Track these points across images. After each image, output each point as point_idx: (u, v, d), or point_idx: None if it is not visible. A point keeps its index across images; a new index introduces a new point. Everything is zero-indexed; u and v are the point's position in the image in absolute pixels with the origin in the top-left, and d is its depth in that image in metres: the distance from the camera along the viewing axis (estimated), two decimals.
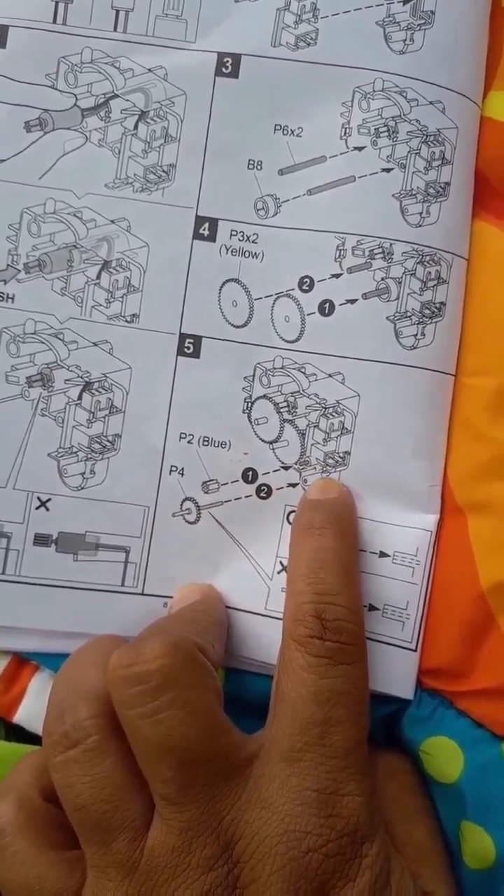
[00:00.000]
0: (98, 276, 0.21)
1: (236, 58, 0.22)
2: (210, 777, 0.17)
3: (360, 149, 0.21)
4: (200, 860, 0.16)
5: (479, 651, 0.20)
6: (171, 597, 0.21)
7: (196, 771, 0.17)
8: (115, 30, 0.22)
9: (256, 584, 0.21)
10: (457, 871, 0.20)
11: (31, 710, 0.22)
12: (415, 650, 0.20)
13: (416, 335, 0.21)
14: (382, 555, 0.21)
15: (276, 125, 0.22)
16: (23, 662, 0.22)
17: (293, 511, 0.21)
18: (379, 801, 0.18)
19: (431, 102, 0.22)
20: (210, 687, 0.17)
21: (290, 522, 0.21)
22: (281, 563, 0.21)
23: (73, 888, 0.17)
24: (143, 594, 0.21)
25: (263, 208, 0.22)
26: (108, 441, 0.21)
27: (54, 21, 0.22)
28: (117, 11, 0.22)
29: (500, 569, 0.20)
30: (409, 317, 0.21)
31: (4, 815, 0.18)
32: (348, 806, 0.17)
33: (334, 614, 0.18)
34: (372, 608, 0.20)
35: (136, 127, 0.22)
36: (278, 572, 0.21)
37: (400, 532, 0.21)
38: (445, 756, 0.20)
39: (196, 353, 0.22)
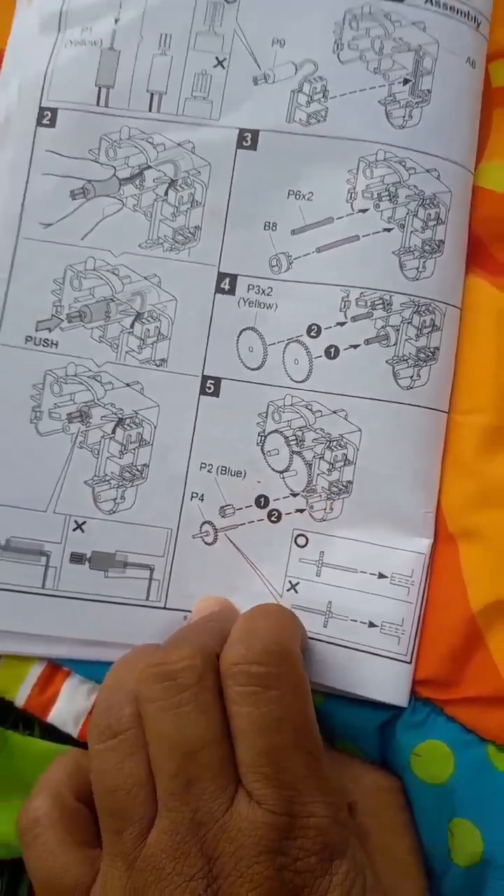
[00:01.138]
0: (132, 326, 0.24)
1: (255, 133, 0.25)
2: (210, 781, 0.18)
3: (363, 211, 0.24)
4: (184, 868, 0.17)
5: (468, 664, 0.22)
6: (190, 611, 0.23)
7: (200, 771, 0.18)
8: (149, 110, 0.25)
9: (267, 601, 0.23)
10: (445, 875, 0.21)
11: (62, 712, 0.24)
12: (409, 662, 0.22)
13: (413, 377, 0.23)
14: (381, 576, 0.23)
15: (289, 191, 0.24)
16: (56, 668, 0.24)
17: (301, 534, 0.23)
18: (359, 815, 0.19)
19: (428, 170, 0.24)
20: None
21: (297, 545, 0.23)
22: (290, 581, 0.23)
23: (88, 883, 0.18)
24: (165, 608, 0.24)
25: (277, 265, 0.24)
26: (137, 470, 0.24)
27: (97, 104, 0.25)
28: (152, 94, 0.25)
29: (489, 592, 0.22)
30: (406, 360, 0.23)
31: (39, 808, 0.20)
32: (315, 826, 0.17)
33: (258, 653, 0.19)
34: (371, 625, 0.22)
35: (166, 194, 0.25)
36: (287, 590, 0.23)
37: (397, 555, 0.23)
38: (437, 758, 0.21)
39: (216, 393, 0.24)
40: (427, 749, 0.22)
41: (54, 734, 0.24)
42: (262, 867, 0.17)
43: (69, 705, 0.24)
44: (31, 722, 0.25)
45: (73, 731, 0.24)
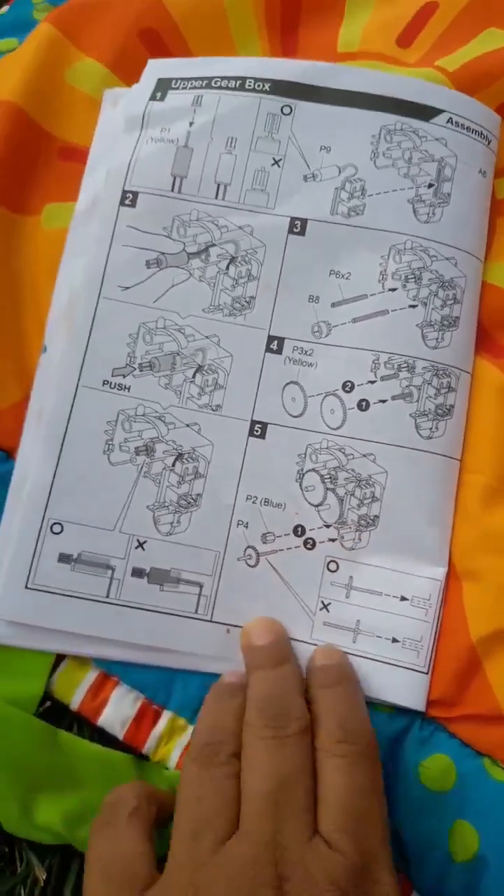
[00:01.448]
0: (194, 376, 0.28)
1: (304, 221, 0.29)
2: (297, 810, 0.20)
3: (393, 290, 0.28)
4: (256, 875, 0.18)
5: (468, 687, 0.25)
6: (234, 625, 0.26)
7: (291, 799, 0.20)
8: (216, 198, 0.30)
9: (302, 619, 0.26)
10: (446, 874, 0.24)
11: (110, 716, 0.26)
12: (426, 673, 0.25)
13: (432, 428, 0.27)
14: (402, 599, 0.26)
15: (330, 270, 0.29)
16: (107, 677, 0.26)
17: (332, 560, 0.27)
18: None
19: (447, 258, 0.29)
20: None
21: (329, 570, 0.27)
22: (322, 602, 0.27)
23: (149, 879, 0.20)
24: (210, 621, 0.27)
25: (318, 331, 0.29)
26: (192, 499, 0.28)
27: (172, 190, 0.30)
28: (218, 185, 0.30)
29: (486, 624, 0.25)
30: (427, 415, 0.27)
31: (130, 793, 0.22)
32: (381, 890, 0.19)
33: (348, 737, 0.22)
34: (394, 640, 0.26)
35: (227, 268, 0.29)
36: (320, 609, 0.27)
37: (416, 581, 0.26)
38: (442, 769, 0.24)
39: (262, 435, 0.28)
40: (433, 762, 0.24)
41: (103, 737, 0.26)
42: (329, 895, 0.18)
43: (117, 711, 0.26)
44: (82, 724, 0.27)
45: (119, 734, 0.26)
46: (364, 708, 0.23)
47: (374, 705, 0.25)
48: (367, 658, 0.26)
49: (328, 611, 0.26)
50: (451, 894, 0.23)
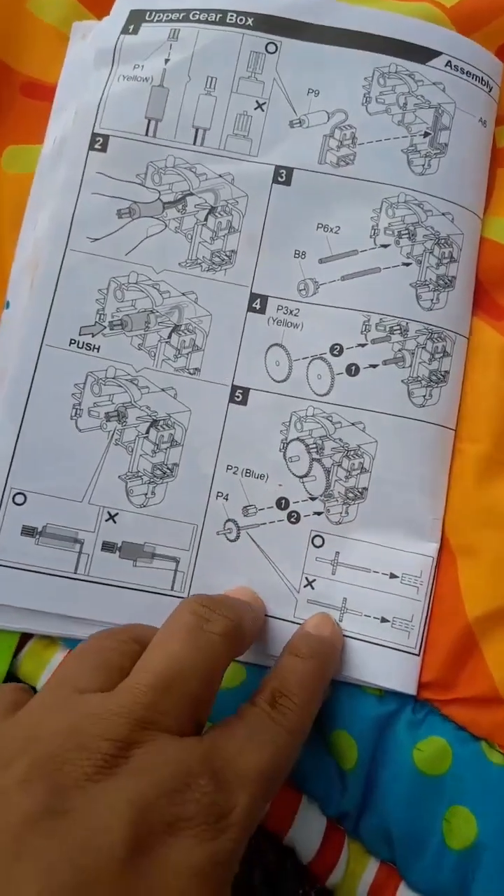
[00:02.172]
0: (169, 337, 0.26)
1: (290, 170, 0.27)
2: (184, 690, 0.19)
3: (385, 246, 0.27)
4: (94, 737, 0.17)
5: (464, 668, 0.24)
6: None
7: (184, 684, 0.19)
8: (194, 143, 0.27)
9: (285, 596, 0.25)
10: (440, 860, 0.23)
11: None
12: (418, 654, 0.24)
13: (425, 396, 0.26)
14: (392, 576, 0.25)
15: (318, 223, 0.27)
16: None
17: (317, 535, 0.25)
18: None
19: (443, 213, 0.27)
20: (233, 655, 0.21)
21: (314, 545, 0.25)
22: (306, 578, 0.25)
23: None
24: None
25: (305, 289, 0.27)
26: (167, 469, 0.26)
27: (146, 134, 0.27)
28: (197, 129, 0.27)
29: (483, 603, 0.24)
30: (420, 381, 0.26)
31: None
32: None
33: (285, 703, 0.20)
34: (383, 620, 0.24)
35: (206, 219, 0.27)
36: (304, 586, 0.25)
37: (407, 557, 0.25)
38: (437, 752, 0.23)
39: (244, 402, 0.26)
40: (428, 744, 0.23)
41: None
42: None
43: None
44: None
45: None
46: (318, 698, 0.22)
47: (361, 688, 0.24)
48: (353, 638, 0.24)
49: (313, 588, 0.25)
50: (443, 885, 0.22)
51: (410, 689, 0.24)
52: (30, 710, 0.19)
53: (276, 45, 0.28)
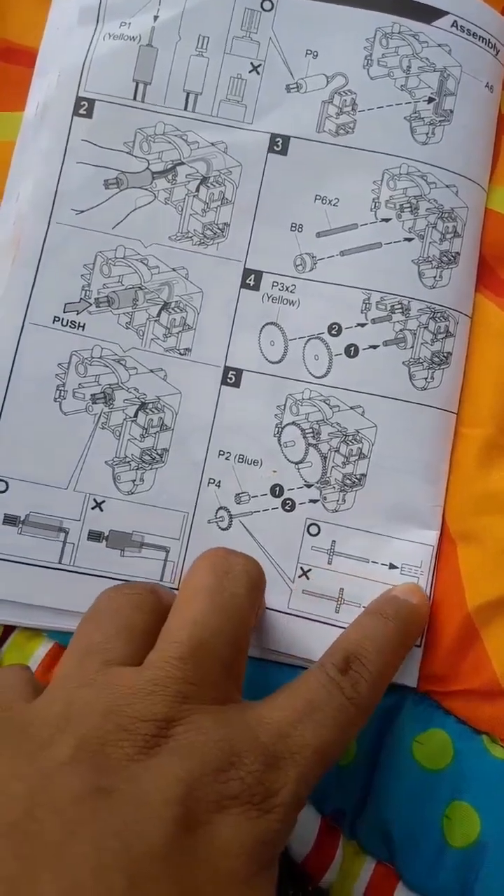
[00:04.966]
0: (158, 315, 0.25)
1: (286, 139, 0.26)
2: (217, 655, 0.19)
3: (386, 220, 0.25)
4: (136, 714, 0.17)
5: (465, 660, 0.23)
6: None
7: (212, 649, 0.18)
8: (185, 109, 0.26)
9: (280, 586, 0.24)
10: (441, 857, 0.22)
11: None
12: (419, 645, 0.23)
13: (427, 378, 0.25)
14: (392, 566, 0.24)
15: (316, 195, 0.26)
16: (61, 650, 0.24)
17: (313, 523, 0.24)
18: None
19: (447, 186, 0.25)
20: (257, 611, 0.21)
21: (310, 534, 0.24)
22: (301, 568, 0.24)
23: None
24: (177, 589, 0.24)
25: (301, 264, 0.25)
26: (157, 454, 0.25)
27: (134, 98, 0.26)
28: (188, 94, 0.26)
29: (484, 592, 0.23)
30: (422, 363, 0.25)
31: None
32: None
33: (359, 669, 0.19)
34: None
35: (197, 190, 0.25)
36: (299, 576, 0.24)
37: (407, 546, 0.24)
38: (438, 745, 0.23)
39: (237, 384, 0.25)
40: (428, 737, 0.23)
41: None
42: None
43: None
44: None
45: None
46: (393, 673, 0.21)
47: None
48: None
49: (308, 578, 0.24)
50: (444, 884, 0.22)
51: (411, 681, 0.23)
52: (59, 685, 0.18)
53: (271, 1, 0.26)
